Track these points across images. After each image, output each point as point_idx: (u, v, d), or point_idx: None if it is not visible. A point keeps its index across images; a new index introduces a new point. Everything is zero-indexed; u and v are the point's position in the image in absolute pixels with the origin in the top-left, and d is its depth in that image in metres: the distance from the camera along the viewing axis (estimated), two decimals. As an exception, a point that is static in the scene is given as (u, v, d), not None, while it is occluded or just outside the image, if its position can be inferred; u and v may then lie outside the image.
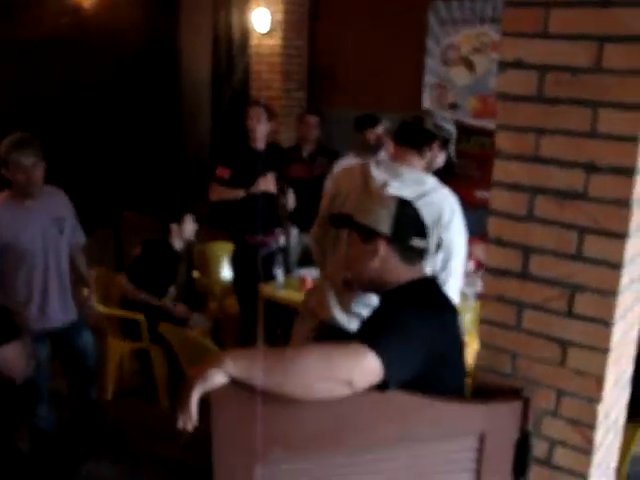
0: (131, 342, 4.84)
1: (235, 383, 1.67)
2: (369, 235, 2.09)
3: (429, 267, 2.73)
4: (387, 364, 1.73)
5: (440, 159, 3.02)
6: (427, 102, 5.98)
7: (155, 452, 4.22)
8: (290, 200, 5.10)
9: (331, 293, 2.96)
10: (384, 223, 2.07)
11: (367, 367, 1.72)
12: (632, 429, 3.72)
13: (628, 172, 1.77)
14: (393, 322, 1.87)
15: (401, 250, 2.08)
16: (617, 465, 3.65)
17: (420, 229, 2.13)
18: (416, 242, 2.10)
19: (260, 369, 1.65)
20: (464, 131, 5.41)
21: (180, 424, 1.69)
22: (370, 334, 1.82)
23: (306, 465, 1.82)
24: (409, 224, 2.10)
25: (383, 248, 2.07)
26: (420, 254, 2.13)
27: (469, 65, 5.70)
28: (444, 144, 3.00)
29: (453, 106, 5.83)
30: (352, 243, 2.18)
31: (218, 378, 1.65)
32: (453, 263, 2.84)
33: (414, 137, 2.96)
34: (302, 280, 4.79)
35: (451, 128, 3.02)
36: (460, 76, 5.77)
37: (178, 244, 5.02)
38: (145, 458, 4.19)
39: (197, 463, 3.85)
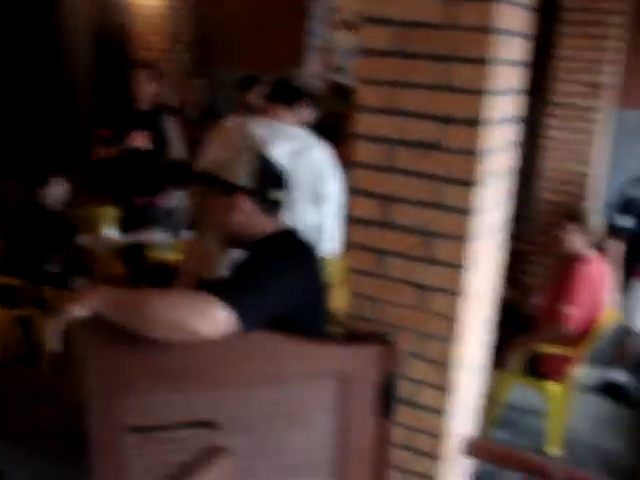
0: (11, 309, 4.72)
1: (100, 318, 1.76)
2: (230, 189, 2.13)
3: (312, 218, 2.85)
4: (240, 313, 1.79)
5: (310, 116, 3.18)
6: (313, 65, 6.02)
7: (39, 418, 4.17)
8: (173, 138, 5.07)
9: (215, 251, 2.99)
10: (243, 177, 2.12)
11: (215, 317, 1.77)
12: (503, 376, 3.94)
13: (476, 123, 1.88)
14: (252, 272, 1.94)
15: (261, 202, 2.13)
16: (486, 409, 3.88)
17: (278, 181, 2.19)
18: (275, 194, 2.16)
19: (115, 307, 1.76)
20: (348, 93, 5.50)
21: (43, 348, 1.78)
22: (225, 285, 1.89)
23: (175, 398, 1.89)
24: (267, 177, 2.16)
25: (243, 201, 2.12)
26: (279, 206, 2.19)
27: (352, 28, 5.77)
28: (312, 101, 3.17)
29: (338, 69, 5.89)
30: (214, 198, 2.22)
31: (76, 311, 1.75)
32: (332, 212, 2.99)
33: (286, 95, 3.12)
34: (189, 241, 4.78)
35: (319, 86, 3.20)
36: (344, 39, 5.84)
37: (51, 207, 4.89)
38: (29, 425, 4.13)
39: (80, 425, 3.82)
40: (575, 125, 4.63)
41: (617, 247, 4.39)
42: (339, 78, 5.55)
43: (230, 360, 1.90)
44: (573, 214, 3.97)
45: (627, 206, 4.45)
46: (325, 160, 2.99)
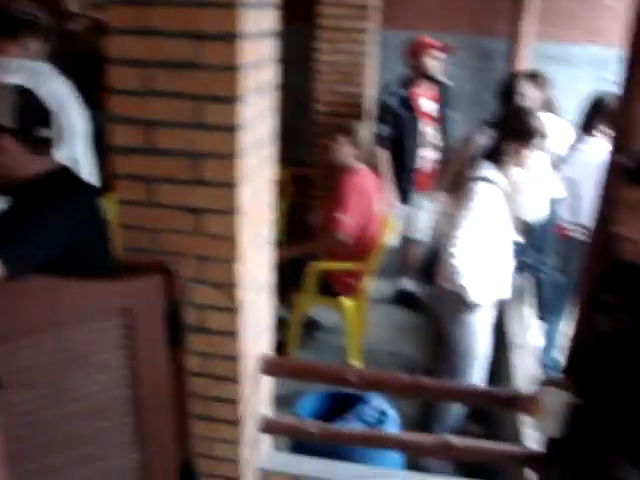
0: None
1: None
2: None
3: (67, 152, 2.76)
4: (4, 257, 1.71)
5: (41, 48, 3.05)
6: (70, 3, 5.67)
7: None
8: None
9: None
10: (4, 116, 1.97)
11: None
12: (299, 297, 4.05)
13: (232, 38, 1.84)
14: (19, 215, 1.85)
15: (27, 142, 1.99)
16: (287, 331, 3.98)
17: (44, 118, 2.05)
18: (42, 132, 2.03)
19: None
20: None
21: None
22: None
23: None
24: (31, 114, 2.01)
25: (8, 142, 1.97)
26: (47, 144, 2.06)
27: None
28: (40, 32, 3.04)
29: (97, 6, 5.59)
30: None
31: None
32: (82, 145, 2.91)
33: (9, 27, 2.97)
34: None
35: (43, 17, 3.04)
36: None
37: None
38: None
39: None
40: (344, 47, 4.72)
41: (384, 155, 4.58)
42: (99, 14, 5.26)
43: (10, 309, 1.80)
44: (343, 128, 4.10)
45: (382, 114, 4.64)
46: (65, 92, 2.90)
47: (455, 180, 3.41)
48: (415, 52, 4.59)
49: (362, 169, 4.11)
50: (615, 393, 1.67)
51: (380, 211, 4.18)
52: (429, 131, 4.70)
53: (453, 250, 2.98)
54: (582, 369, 1.91)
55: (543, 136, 3.10)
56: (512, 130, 3.09)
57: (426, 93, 4.72)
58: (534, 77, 4.49)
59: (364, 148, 4.10)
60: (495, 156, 3.10)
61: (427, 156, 4.73)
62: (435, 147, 4.74)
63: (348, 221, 3.92)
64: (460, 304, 3.10)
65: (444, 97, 4.78)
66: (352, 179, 4.02)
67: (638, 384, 1.58)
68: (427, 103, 4.72)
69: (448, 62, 4.77)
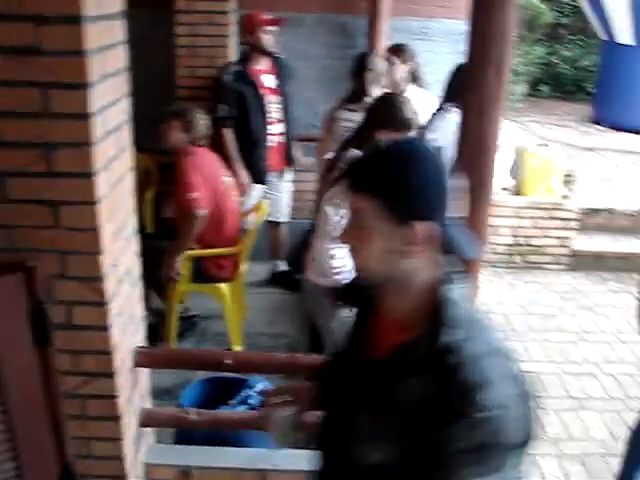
0: None
1: None
2: None
3: None
4: None
5: None
6: None
7: None
8: None
9: None
10: None
11: None
12: (173, 286, 3.97)
13: (77, 21, 1.76)
14: None
15: None
16: (165, 321, 3.92)
17: None
18: None
19: None
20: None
21: None
22: None
23: None
24: None
25: None
26: None
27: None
28: None
29: None
30: None
31: None
32: None
33: None
34: None
35: None
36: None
37: None
38: None
39: None
40: (204, 30, 4.66)
41: (228, 136, 4.49)
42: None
43: None
44: (178, 112, 3.99)
45: (223, 93, 4.51)
46: None
47: (326, 167, 3.34)
48: (249, 28, 4.48)
49: (199, 150, 3.99)
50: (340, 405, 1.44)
51: (231, 191, 4.14)
52: (274, 106, 4.66)
53: (333, 252, 2.96)
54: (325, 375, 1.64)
55: (416, 127, 3.05)
56: (384, 120, 2.99)
57: (265, 68, 4.64)
58: (399, 50, 4.58)
59: (200, 130, 4.00)
60: (365, 144, 3.02)
61: (275, 132, 4.72)
62: (281, 122, 4.71)
63: (199, 196, 3.83)
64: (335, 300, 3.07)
65: (280, 71, 4.72)
66: (190, 160, 3.92)
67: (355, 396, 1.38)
68: (268, 78, 4.65)
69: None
